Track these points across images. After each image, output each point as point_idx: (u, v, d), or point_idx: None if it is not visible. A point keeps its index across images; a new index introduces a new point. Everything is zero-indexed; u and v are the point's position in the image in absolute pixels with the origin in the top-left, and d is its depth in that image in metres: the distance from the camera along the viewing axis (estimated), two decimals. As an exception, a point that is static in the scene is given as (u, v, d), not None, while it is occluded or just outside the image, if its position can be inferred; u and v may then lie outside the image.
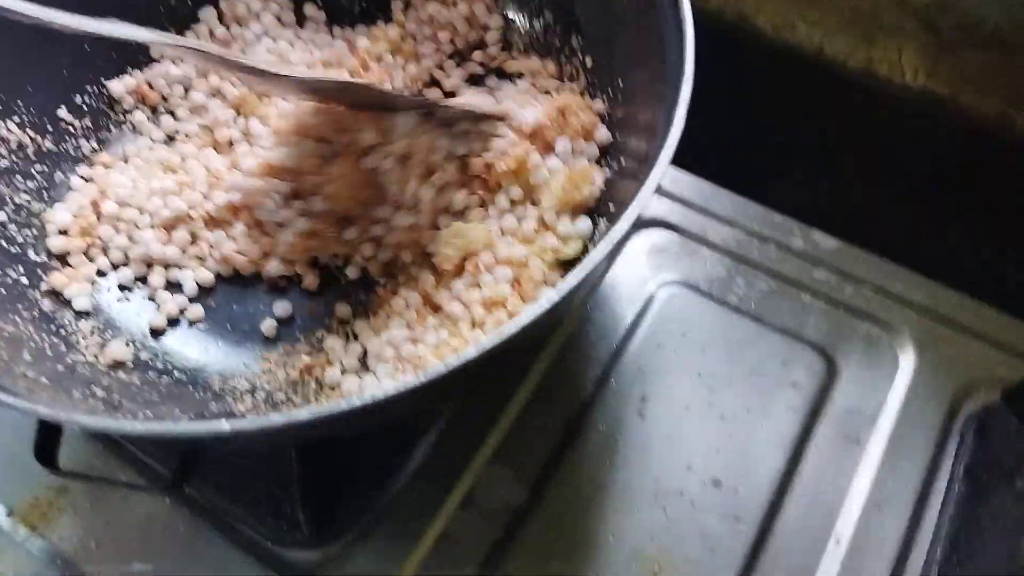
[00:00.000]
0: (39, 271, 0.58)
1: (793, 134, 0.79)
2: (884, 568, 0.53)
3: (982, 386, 0.60)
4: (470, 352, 0.41)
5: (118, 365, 0.55)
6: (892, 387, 0.61)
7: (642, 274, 0.66)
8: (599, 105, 0.61)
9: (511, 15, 0.68)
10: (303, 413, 0.40)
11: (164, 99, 0.67)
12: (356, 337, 0.58)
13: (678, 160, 0.70)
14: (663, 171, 0.46)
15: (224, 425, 0.39)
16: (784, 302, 0.65)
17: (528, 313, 0.42)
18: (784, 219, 0.69)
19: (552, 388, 0.61)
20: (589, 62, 0.63)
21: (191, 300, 0.60)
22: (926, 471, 0.57)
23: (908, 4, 0.70)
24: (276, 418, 0.40)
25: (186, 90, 0.67)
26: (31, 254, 0.59)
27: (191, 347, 0.59)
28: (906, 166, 0.76)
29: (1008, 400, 0.58)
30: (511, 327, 0.41)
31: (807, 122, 0.79)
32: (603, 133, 0.60)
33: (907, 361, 0.62)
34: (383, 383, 0.54)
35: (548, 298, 0.42)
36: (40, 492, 0.58)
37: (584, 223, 0.57)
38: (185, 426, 0.41)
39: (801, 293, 0.65)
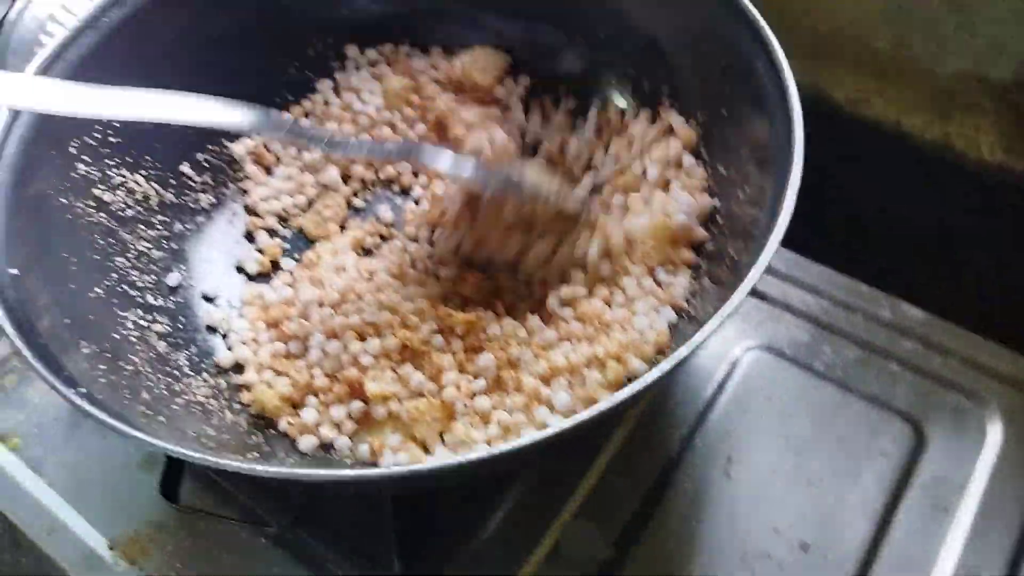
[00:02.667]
0: (156, 314, 0.60)
1: (874, 204, 0.79)
2: (978, 640, 0.51)
3: (1072, 460, 0.58)
4: (579, 416, 0.42)
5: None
6: (980, 457, 0.59)
7: (727, 338, 0.66)
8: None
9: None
10: (423, 466, 0.41)
11: (278, 159, 0.70)
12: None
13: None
14: (772, 252, 0.46)
15: (347, 472, 0.41)
16: (871, 370, 0.64)
17: (634, 385, 0.42)
18: (871, 290, 0.68)
19: (638, 446, 0.61)
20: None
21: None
22: (1016, 541, 0.55)
23: (987, 82, 0.70)
24: (397, 468, 0.41)
25: (299, 151, 0.70)
26: (149, 298, 0.61)
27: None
28: (985, 239, 0.75)
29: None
30: (623, 393, 0.42)
31: (885, 193, 0.78)
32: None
33: (995, 432, 0.60)
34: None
35: (658, 368, 0.43)
36: (140, 527, 0.59)
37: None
38: (311, 472, 0.42)
39: (889, 363, 0.64)
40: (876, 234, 0.78)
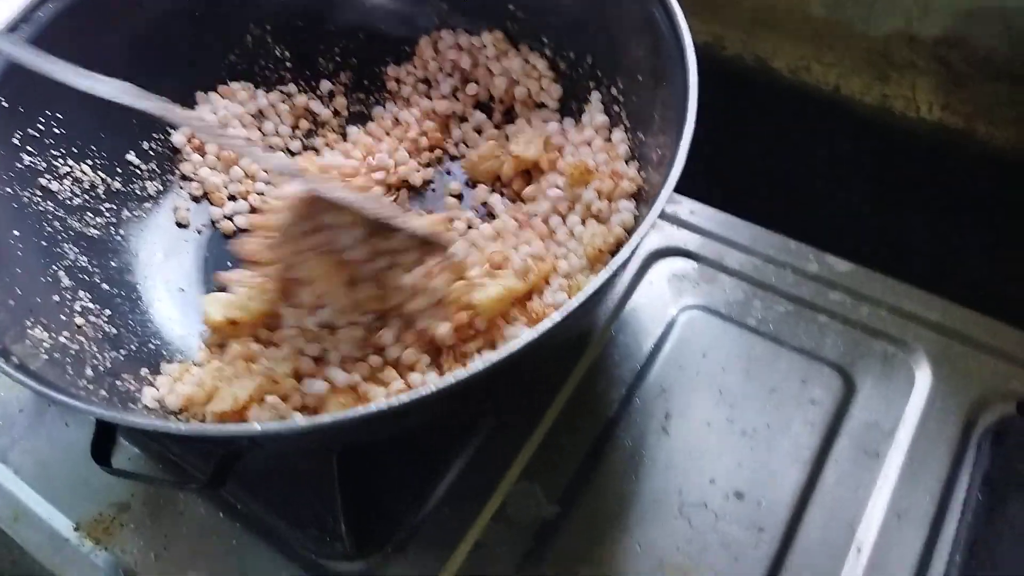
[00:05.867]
0: (104, 296, 0.58)
1: (810, 167, 0.78)
2: (905, 576, 0.50)
3: (997, 400, 0.57)
4: (492, 356, 0.40)
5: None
6: (909, 402, 0.58)
7: (664, 299, 0.65)
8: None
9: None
10: (325, 417, 0.39)
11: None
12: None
13: (697, 192, 0.70)
14: (663, 203, 0.45)
15: (255, 426, 0.39)
16: (801, 323, 0.62)
17: (544, 322, 0.41)
18: (799, 245, 0.66)
19: (579, 408, 0.59)
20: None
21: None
22: (944, 482, 0.54)
23: (918, 41, 0.68)
24: (301, 420, 0.39)
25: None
26: (97, 281, 0.59)
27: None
28: (922, 193, 0.74)
29: (1023, 411, 0.55)
30: (538, 329, 0.41)
31: (825, 155, 0.77)
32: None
33: (923, 377, 0.59)
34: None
35: (563, 309, 0.42)
36: (103, 508, 0.58)
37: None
38: (221, 428, 0.41)
39: (818, 315, 0.63)
40: (812, 196, 0.77)
